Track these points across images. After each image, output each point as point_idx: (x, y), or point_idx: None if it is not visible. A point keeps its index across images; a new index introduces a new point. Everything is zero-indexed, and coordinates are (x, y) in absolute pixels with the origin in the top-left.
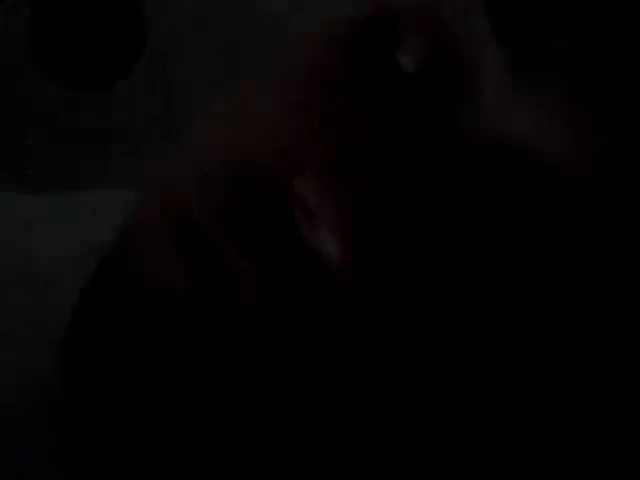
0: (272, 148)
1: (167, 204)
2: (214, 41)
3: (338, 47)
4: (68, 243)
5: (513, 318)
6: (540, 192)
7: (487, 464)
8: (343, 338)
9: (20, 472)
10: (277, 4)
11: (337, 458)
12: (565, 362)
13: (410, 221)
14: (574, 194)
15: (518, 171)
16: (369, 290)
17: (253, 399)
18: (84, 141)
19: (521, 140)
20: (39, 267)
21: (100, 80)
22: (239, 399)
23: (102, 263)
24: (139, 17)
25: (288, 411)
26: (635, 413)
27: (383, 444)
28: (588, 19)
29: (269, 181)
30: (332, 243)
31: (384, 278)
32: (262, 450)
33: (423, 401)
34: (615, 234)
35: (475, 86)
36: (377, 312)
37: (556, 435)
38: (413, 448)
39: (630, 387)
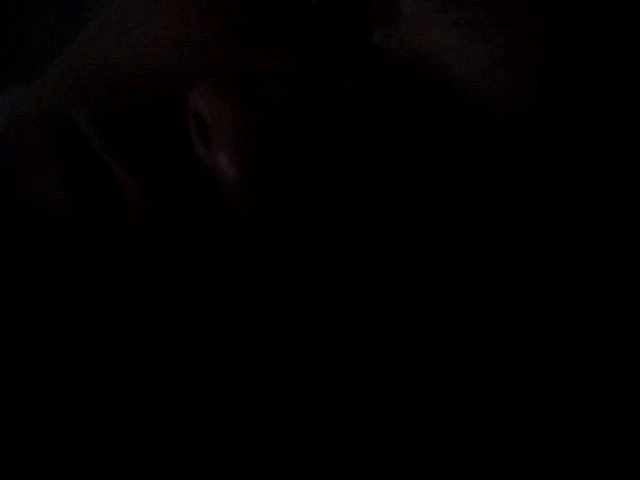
0: (165, 57)
1: (47, 117)
2: None
3: None
4: None
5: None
6: (446, 113)
7: (486, 463)
8: (241, 262)
9: None
10: None
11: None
12: (559, 357)
13: (311, 141)
14: (490, 118)
15: (427, 89)
16: (264, 211)
17: (146, 332)
18: None
19: (435, 60)
20: None
21: None
22: (129, 331)
23: None
24: None
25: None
26: (635, 413)
27: (376, 438)
28: None
29: (161, 94)
30: (226, 160)
31: (280, 198)
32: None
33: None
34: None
35: (390, 0)
36: (274, 235)
37: (556, 434)
38: (408, 442)
39: (629, 386)
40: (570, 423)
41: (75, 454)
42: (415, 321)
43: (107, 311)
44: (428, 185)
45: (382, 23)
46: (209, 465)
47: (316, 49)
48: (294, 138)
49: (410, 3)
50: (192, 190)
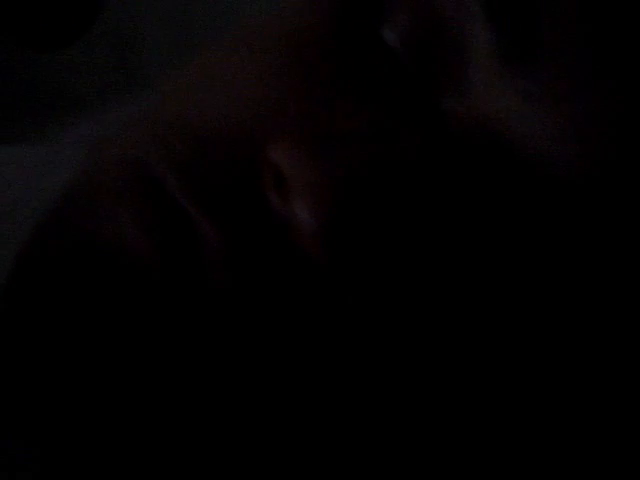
0: (246, 112)
1: (130, 164)
2: (170, 11)
3: (322, 14)
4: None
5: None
6: (514, 177)
7: (486, 462)
8: (311, 306)
9: None
10: None
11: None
12: (559, 356)
13: (386, 196)
14: (552, 183)
15: (496, 155)
16: (340, 261)
17: (214, 369)
18: (27, 99)
19: (502, 127)
20: None
21: (53, 41)
22: (198, 368)
23: (52, 217)
24: None
25: (253, 380)
26: (635, 413)
27: (377, 440)
28: (588, 10)
29: (239, 147)
30: (306, 211)
31: (352, 250)
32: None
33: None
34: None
35: (460, 67)
36: (348, 284)
37: (556, 434)
38: (408, 444)
39: (630, 386)
40: (570, 422)
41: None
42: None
43: (178, 344)
44: (489, 240)
45: (451, 89)
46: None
47: (387, 110)
48: (370, 195)
49: (479, 72)
50: (265, 236)
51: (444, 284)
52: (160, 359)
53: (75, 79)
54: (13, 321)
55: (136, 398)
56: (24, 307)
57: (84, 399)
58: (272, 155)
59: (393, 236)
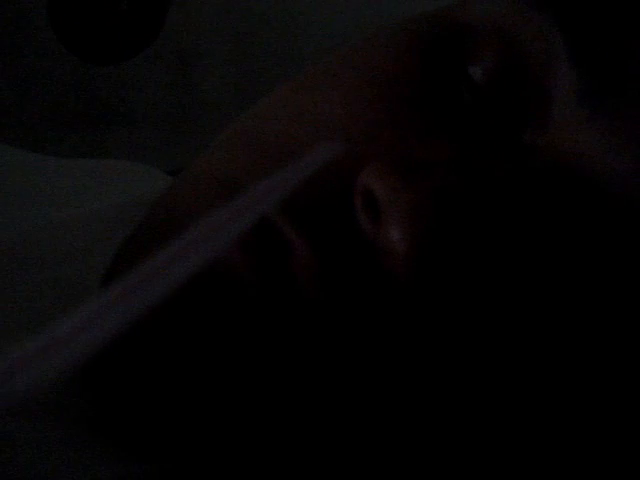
0: (338, 138)
1: (225, 183)
2: (234, 33)
3: (412, 48)
4: (88, 206)
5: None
6: (593, 210)
7: (487, 464)
8: (397, 326)
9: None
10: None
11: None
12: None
13: (472, 222)
14: (630, 215)
15: (575, 188)
16: (429, 281)
17: (308, 380)
18: (84, 116)
19: (582, 163)
20: (58, 230)
21: (114, 54)
22: (293, 380)
23: (144, 228)
24: None
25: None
26: (635, 413)
27: (385, 442)
28: None
29: (329, 170)
30: (398, 235)
31: (441, 272)
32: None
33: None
34: None
35: (543, 104)
36: (434, 303)
37: (556, 435)
38: (415, 447)
39: (630, 387)
40: (570, 423)
41: None
42: None
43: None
44: (564, 262)
45: (533, 124)
46: None
47: (472, 141)
48: (457, 221)
49: (562, 109)
50: (353, 255)
51: (519, 308)
52: (254, 366)
53: (134, 93)
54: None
55: (229, 406)
56: None
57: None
58: (365, 179)
59: (476, 260)
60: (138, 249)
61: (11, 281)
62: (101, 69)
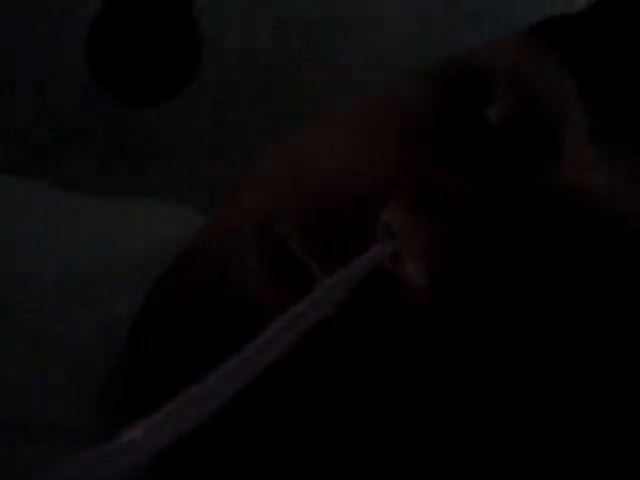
0: (361, 180)
1: (255, 226)
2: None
3: (430, 92)
4: (126, 246)
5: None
6: (604, 246)
7: (488, 465)
8: (418, 357)
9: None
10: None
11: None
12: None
13: (483, 254)
14: (631, 245)
15: (586, 223)
16: (443, 312)
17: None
18: (123, 155)
19: (594, 197)
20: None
21: (152, 98)
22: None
23: (179, 263)
24: (194, 39)
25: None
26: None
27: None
28: None
29: (353, 209)
30: (416, 269)
31: (459, 301)
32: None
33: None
34: None
35: (556, 144)
36: (452, 333)
37: (556, 436)
38: (418, 448)
39: (630, 389)
40: (570, 424)
41: None
42: None
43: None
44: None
45: (547, 164)
46: None
47: (486, 179)
48: (473, 254)
49: (573, 149)
50: (377, 289)
51: (528, 332)
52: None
53: (170, 136)
54: (140, 358)
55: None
56: (148, 351)
57: None
58: (385, 216)
59: (489, 292)
60: (170, 291)
61: (57, 319)
62: (139, 111)
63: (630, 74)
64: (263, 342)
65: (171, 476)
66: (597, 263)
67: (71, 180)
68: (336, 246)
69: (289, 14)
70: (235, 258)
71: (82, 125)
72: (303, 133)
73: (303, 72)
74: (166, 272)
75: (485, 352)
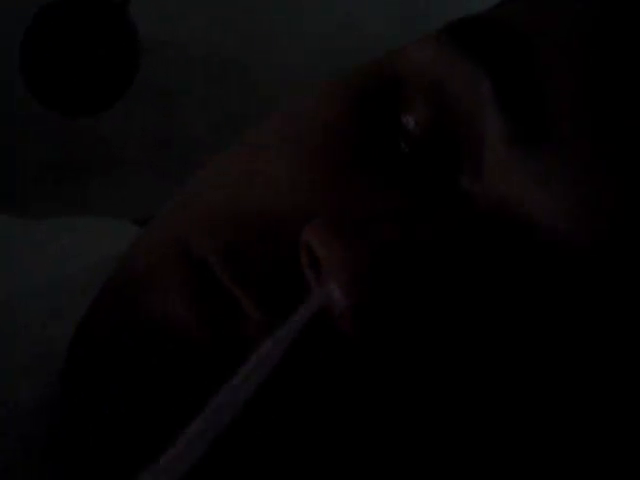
0: (281, 200)
1: (177, 245)
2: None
3: (347, 106)
4: (70, 265)
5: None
6: (529, 252)
7: (487, 464)
8: (350, 382)
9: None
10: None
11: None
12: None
13: (406, 272)
14: (564, 253)
15: (510, 230)
16: (370, 333)
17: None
18: (68, 169)
19: (517, 206)
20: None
21: (91, 107)
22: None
23: (106, 290)
24: (131, 45)
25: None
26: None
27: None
28: (594, 100)
29: (276, 229)
30: (337, 290)
31: (382, 324)
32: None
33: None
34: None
35: (476, 150)
36: (381, 354)
37: (556, 436)
38: (414, 448)
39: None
40: (570, 425)
41: None
42: None
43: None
44: (509, 310)
45: (469, 170)
46: None
47: (408, 191)
48: (396, 274)
49: (494, 155)
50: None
51: (461, 350)
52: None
53: (117, 139)
54: (74, 382)
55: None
56: (82, 370)
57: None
58: (306, 237)
59: (416, 311)
60: (100, 317)
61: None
62: (81, 122)
63: (543, 73)
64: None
65: None
66: (518, 274)
67: (8, 196)
68: (256, 267)
69: (227, 12)
70: (154, 286)
71: (27, 146)
72: (223, 153)
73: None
74: (94, 301)
75: (416, 371)
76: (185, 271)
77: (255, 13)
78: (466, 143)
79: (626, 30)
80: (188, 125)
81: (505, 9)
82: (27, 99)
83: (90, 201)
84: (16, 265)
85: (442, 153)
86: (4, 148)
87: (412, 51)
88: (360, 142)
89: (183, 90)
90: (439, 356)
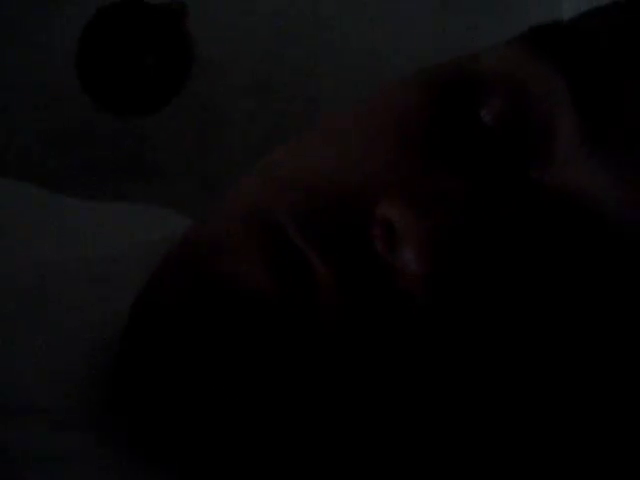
0: (358, 172)
1: (252, 213)
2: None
3: (427, 92)
4: (115, 245)
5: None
6: (594, 238)
7: (488, 465)
8: (413, 345)
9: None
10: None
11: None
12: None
13: (478, 247)
14: (633, 247)
15: (577, 218)
16: (442, 299)
17: (323, 397)
18: (111, 175)
19: (586, 195)
20: (93, 266)
21: (140, 107)
22: (310, 396)
23: (173, 256)
24: (184, 54)
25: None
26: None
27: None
28: None
29: (350, 200)
30: (414, 257)
31: (456, 292)
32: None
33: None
34: None
35: (548, 144)
36: (447, 319)
37: (556, 437)
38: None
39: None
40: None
41: None
42: None
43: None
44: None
45: (539, 162)
46: None
47: (482, 177)
48: (468, 248)
49: (565, 148)
50: (370, 277)
51: (525, 328)
52: (273, 382)
53: (155, 145)
54: (140, 341)
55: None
56: (149, 330)
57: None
58: (384, 210)
59: (486, 283)
60: (169, 279)
61: (38, 316)
62: (129, 122)
63: (622, 80)
64: None
65: None
66: (587, 262)
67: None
68: (329, 232)
69: (283, 32)
70: (228, 248)
71: (74, 140)
72: (301, 134)
73: (295, 88)
74: (157, 270)
75: (478, 346)
76: (261, 235)
77: (304, 47)
78: (539, 138)
79: None
80: (230, 141)
81: (583, 18)
82: (78, 98)
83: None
84: (57, 240)
85: (515, 144)
86: (51, 139)
87: (493, 53)
88: (435, 129)
89: (228, 106)
90: (491, 330)
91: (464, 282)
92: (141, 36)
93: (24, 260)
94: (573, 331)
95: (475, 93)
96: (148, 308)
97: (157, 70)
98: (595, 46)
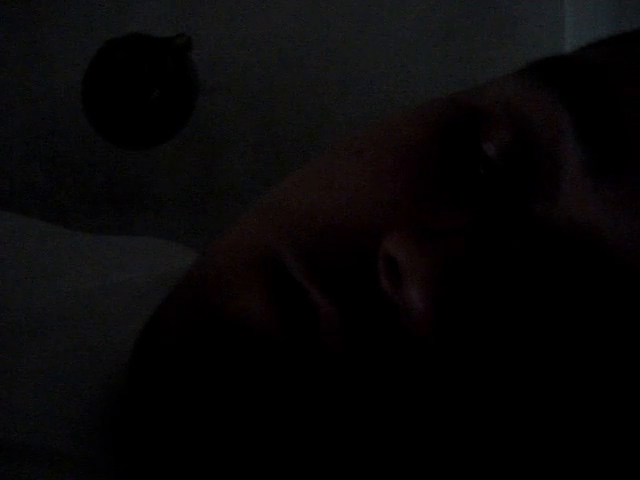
0: (362, 208)
1: (255, 250)
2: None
3: (431, 128)
4: (122, 278)
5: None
6: (598, 274)
7: (488, 466)
8: (415, 378)
9: None
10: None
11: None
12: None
13: (483, 285)
14: (636, 284)
15: (583, 253)
16: (446, 339)
17: (323, 432)
18: (115, 205)
19: (590, 231)
20: (97, 299)
21: (146, 141)
22: (310, 433)
23: (177, 293)
24: (188, 88)
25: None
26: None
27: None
28: None
29: (355, 237)
30: (417, 296)
31: (461, 329)
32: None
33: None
34: None
35: (552, 178)
36: (449, 357)
37: (557, 439)
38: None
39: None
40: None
41: None
42: None
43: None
44: (571, 326)
45: (543, 196)
46: None
47: (485, 211)
48: (471, 285)
49: (570, 182)
50: (375, 315)
51: (529, 364)
52: (277, 419)
53: (160, 178)
54: (144, 376)
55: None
56: (153, 365)
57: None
58: (387, 246)
59: (490, 320)
60: (173, 316)
61: (41, 346)
62: (132, 154)
63: (626, 112)
64: None
65: None
66: (591, 294)
67: (64, 223)
68: (334, 271)
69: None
70: (232, 286)
71: (77, 170)
72: (305, 164)
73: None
74: (164, 302)
75: (484, 376)
76: (265, 272)
77: (307, 77)
78: (543, 171)
79: None
80: (233, 172)
81: (587, 50)
82: (83, 130)
83: (133, 232)
84: (60, 273)
85: (519, 178)
86: (55, 168)
87: (496, 86)
88: (441, 163)
89: (232, 137)
90: (496, 361)
91: (467, 321)
92: (146, 71)
93: (22, 297)
94: (582, 368)
95: (478, 126)
96: (152, 346)
97: (162, 104)
98: (598, 78)
